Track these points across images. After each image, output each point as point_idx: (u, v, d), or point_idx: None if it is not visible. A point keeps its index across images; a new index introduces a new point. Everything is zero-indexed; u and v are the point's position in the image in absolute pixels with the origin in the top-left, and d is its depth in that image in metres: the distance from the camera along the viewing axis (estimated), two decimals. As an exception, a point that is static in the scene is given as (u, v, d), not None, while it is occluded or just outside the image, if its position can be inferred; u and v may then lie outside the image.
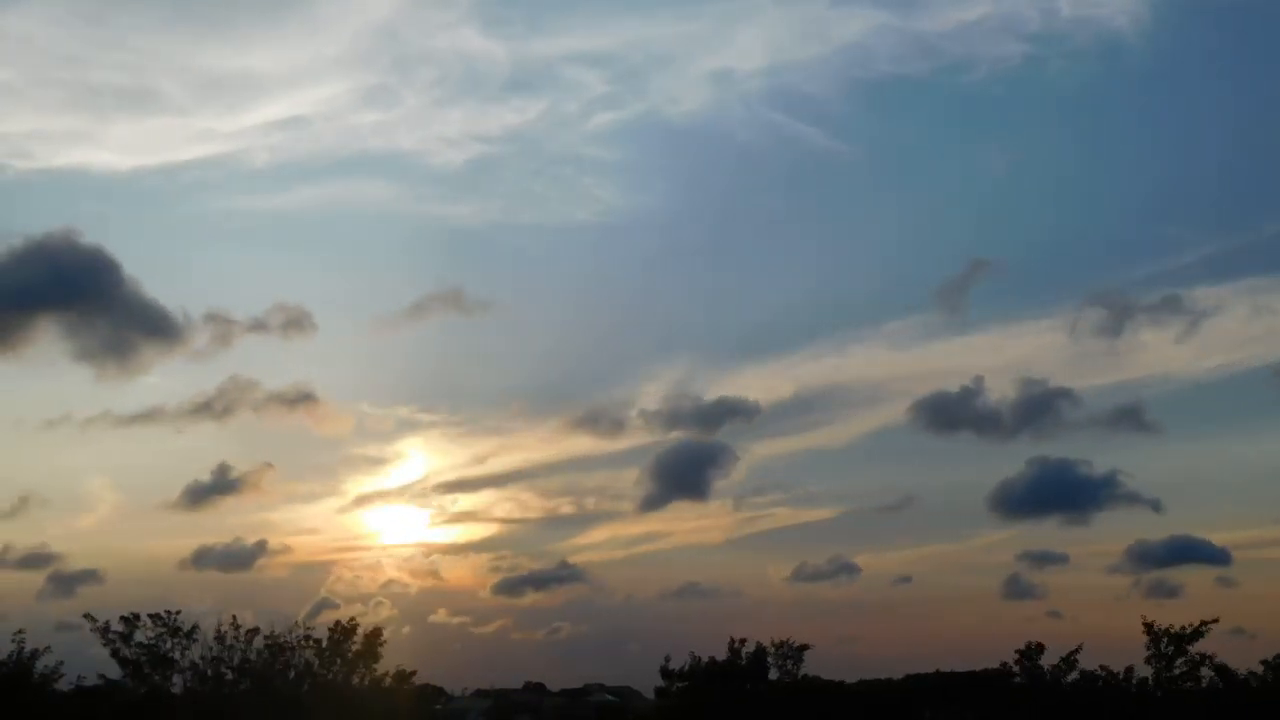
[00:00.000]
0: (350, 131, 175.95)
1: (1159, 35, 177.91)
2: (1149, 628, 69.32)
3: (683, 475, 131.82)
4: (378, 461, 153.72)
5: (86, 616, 62.01)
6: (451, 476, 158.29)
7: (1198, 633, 68.32)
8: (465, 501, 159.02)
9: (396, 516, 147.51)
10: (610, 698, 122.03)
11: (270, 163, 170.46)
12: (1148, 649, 69.02)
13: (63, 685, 61.22)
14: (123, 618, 61.75)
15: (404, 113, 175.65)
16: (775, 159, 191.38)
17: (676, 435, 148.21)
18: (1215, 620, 68.98)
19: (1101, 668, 71.07)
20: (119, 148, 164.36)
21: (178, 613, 62.14)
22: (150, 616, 61.78)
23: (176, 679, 61.88)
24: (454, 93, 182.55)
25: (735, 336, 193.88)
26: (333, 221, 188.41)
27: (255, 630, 62.40)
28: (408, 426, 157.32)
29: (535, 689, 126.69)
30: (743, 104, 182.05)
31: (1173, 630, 68.73)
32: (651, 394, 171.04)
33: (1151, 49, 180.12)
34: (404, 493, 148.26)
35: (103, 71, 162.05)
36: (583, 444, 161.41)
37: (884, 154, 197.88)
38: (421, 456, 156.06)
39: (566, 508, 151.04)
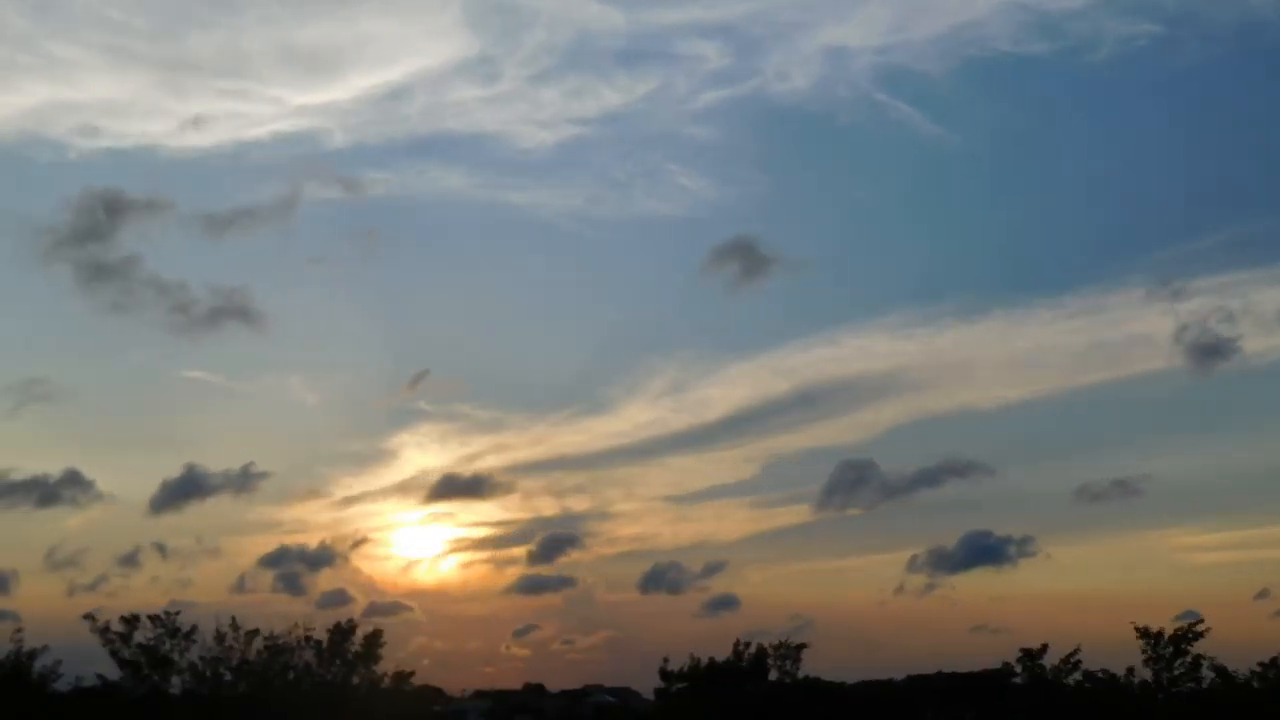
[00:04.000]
0: (439, 111, 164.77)
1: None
2: (1141, 631, 69.42)
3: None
4: (372, 459, 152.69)
5: (86, 617, 62.13)
6: (444, 475, 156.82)
7: (1194, 634, 68.42)
8: (461, 499, 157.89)
9: (391, 515, 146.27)
10: (610, 698, 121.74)
11: (346, 142, 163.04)
12: (1143, 651, 69.15)
13: (61, 685, 61.29)
14: (123, 618, 61.85)
15: (500, 90, 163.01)
16: (874, 144, 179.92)
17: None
18: (1201, 621, 69.53)
19: (1103, 671, 71.06)
20: (191, 124, 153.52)
21: (177, 614, 62.33)
22: (150, 618, 61.87)
23: (175, 680, 61.92)
24: (560, 64, 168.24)
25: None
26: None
27: (255, 632, 62.46)
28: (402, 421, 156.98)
29: (535, 689, 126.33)
30: (849, 84, 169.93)
31: (1165, 633, 69.00)
32: (650, 389, 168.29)
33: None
34: (397, 491, 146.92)
35: (175, 45, 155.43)
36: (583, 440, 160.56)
37: (988, 139, 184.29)
38: (416, 454, 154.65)
39: (559, 507, 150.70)
